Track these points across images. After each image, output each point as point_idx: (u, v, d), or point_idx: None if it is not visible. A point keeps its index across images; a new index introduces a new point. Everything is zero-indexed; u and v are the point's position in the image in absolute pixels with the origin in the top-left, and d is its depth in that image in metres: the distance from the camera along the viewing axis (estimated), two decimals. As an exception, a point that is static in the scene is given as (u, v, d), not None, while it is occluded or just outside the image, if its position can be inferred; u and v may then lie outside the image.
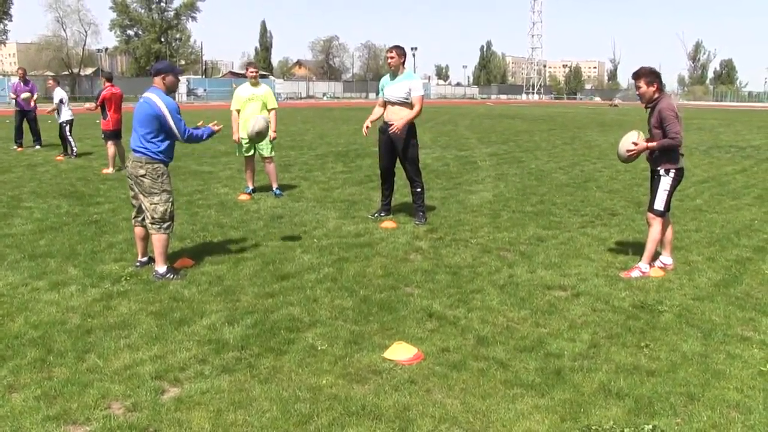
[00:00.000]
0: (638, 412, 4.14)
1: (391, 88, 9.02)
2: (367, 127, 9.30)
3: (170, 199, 6.76)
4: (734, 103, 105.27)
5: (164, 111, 6.51)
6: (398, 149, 9.16)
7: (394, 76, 9.05)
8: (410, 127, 9.08)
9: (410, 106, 8.97)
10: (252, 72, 11.14)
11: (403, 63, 9.04)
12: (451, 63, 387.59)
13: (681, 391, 4.42)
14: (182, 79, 78.15)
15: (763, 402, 4.30)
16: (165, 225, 6.71)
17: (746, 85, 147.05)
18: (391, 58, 9.01)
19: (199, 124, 7.09)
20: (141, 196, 6.71)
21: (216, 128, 7.09)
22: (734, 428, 3.99)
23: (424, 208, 9.37)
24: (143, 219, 6.85)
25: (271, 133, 10.81)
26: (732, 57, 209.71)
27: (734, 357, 4.98)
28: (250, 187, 11.39)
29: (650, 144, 6.89)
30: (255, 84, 10.97)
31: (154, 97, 6.57)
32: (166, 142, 6.69)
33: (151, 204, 6.66)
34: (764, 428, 4.00)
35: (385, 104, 9.21)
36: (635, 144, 6.93)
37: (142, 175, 6.61)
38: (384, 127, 9.21)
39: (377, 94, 9.44)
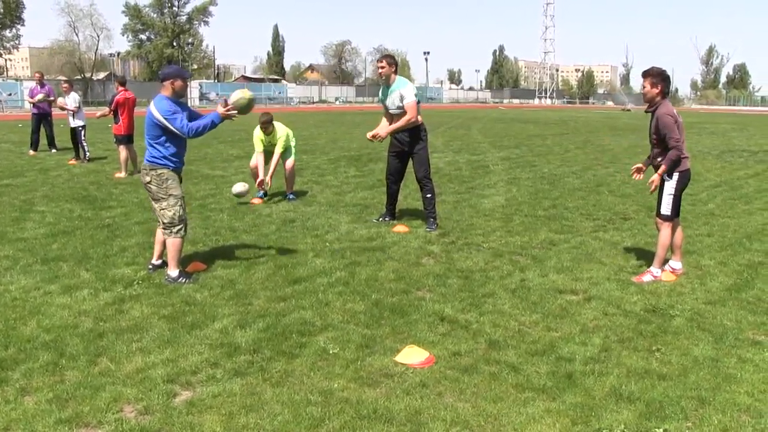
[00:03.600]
0: (649, 415, 4.14)
1: (388, 99, 8.95)
2: (373, 136, 9.02)
3: (178, 203, 6.76)
4: (747, 108, 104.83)
5: (157, 115, 6.53)
6: (409, 151, 9.11)
7: (387, 85, 8.94)
8: (418, 130, 9.01)
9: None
10: (264, 124, 11.14)
11: (395, 72, 8.86)
12: (463, 67, 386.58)
13: (692, 395, 4.41)
14: (195, 83, 78.43)
15: (775, 406, 4.28)
16: (176, 229, 6.74)
17: (759, 90, 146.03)
18: (381, 67, 8.83)
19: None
20: (151, 202, 6.80)
21: (222, 111, 6.61)
22: (745, 432, 3.99)
23: (435, 214, 9.29)
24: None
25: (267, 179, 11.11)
26: (745, 61, 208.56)
27: (745, 361, 4.97)
28: (262, 191, 11.41)
29: (660, 171, 6.82)
30: (268, 133, 11.17)
31: (151, 104, 6.64)
32: (172, 148, 6.69)
33: (159, 209, 6.71)
34: (776, 433, 4.00)
35: (386, 114, 9.15)
36: (652, 182, 6.89)
37: (148, 182, 6.68)
38: (393, 135, 9.11)
39: (381, 104, 9.26)
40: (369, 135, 9.07)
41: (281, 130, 11.26)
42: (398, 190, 9.68)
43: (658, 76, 6.78)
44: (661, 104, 6.79)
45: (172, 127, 6.55)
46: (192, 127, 6.61)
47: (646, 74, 6.84)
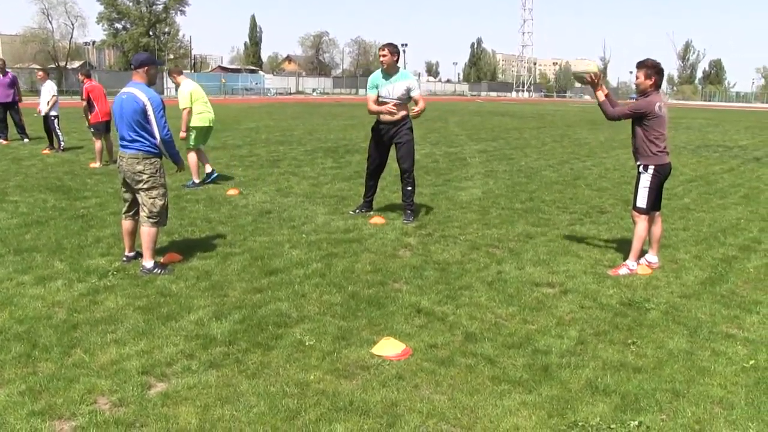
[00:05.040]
0: (624, 408, 4.17)
1: (387, 87, 8.88)
2: (390, 112, 8.95)
3: (167, 193, 6.80)
4: (722, 103, 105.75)
5: (147, 104, 6.46)
6: (395, 142, 9.08)
7: (387, 74, 8.90)
8: (409, 122, 9.07)
9: (406, 105, 9.00)
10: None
11: (396, 61, 8.88)
12: (441, 59, 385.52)
13: (666, 387, 4.45)
14: (171, 73, 77.52)
15: (745, 398, 4.35)
16: (162, 218, 6.75)
17: (734, 86, 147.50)
18: (384, 56, 8.81)
19: None
20: (140, 192, 6.64)
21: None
22: (717, 423, 4.03)
23: (413, 206, 9.33)
24: (134, 214, 6.82)
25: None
26: (721, 57, 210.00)
27: (719, 354, 5.02)
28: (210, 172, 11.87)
29: (596, 91, 7.04)
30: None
31: (137, 91, 6.50)
32: (156, 138, 6.62)
33: (150, 198, 6.62)
34: (745, 423, 4.05)
35: (377, 102, 9.04)
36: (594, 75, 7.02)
37: (141, 171, 6.54)
38: (378, 126, 9.15)
39: (366, 90, 9.16)
40: (386, 111, 8.96)
41: (181, 87, 11.50)
42: (377, 183, 9.67)
43: (652, 68, 6.81)
44: (650, 94, 6.81)
45: (156, 122, 6.52)
46: (170, 134, 6.72)
47: (641, 65, 6.87)
